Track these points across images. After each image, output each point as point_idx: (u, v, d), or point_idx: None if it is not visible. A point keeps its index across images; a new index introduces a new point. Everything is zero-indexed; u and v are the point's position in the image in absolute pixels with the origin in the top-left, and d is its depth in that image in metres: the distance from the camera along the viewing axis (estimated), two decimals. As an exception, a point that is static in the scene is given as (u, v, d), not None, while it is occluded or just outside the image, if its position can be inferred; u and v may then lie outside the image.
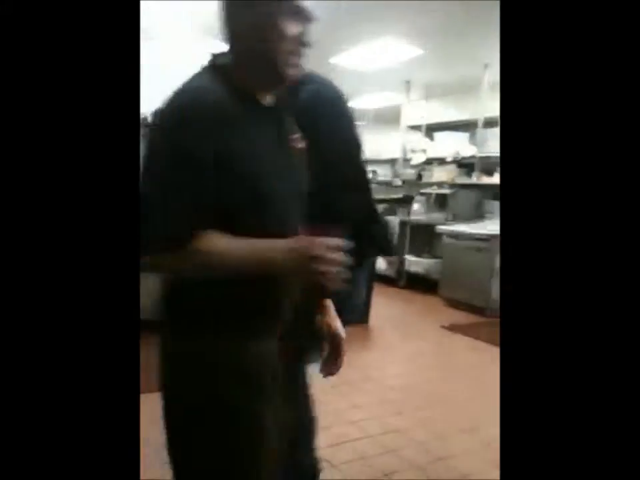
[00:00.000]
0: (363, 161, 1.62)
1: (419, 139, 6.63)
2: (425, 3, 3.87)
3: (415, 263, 5.93)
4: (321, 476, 1.94)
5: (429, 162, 6.35)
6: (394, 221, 6.17)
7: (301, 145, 1.13)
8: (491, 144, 5.39)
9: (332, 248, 0.91)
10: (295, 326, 1.15)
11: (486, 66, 5.23)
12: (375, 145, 7.61)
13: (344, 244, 0.93)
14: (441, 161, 6.17)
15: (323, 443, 2.20)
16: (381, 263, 5.97)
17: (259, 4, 0.95)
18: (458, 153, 5.94)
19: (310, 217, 1.11)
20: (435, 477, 2.01)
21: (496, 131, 5.22)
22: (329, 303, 1.40)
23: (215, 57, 1.02)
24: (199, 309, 0.99)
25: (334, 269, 0.91)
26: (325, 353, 1.38)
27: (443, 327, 4.37)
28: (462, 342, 4.02)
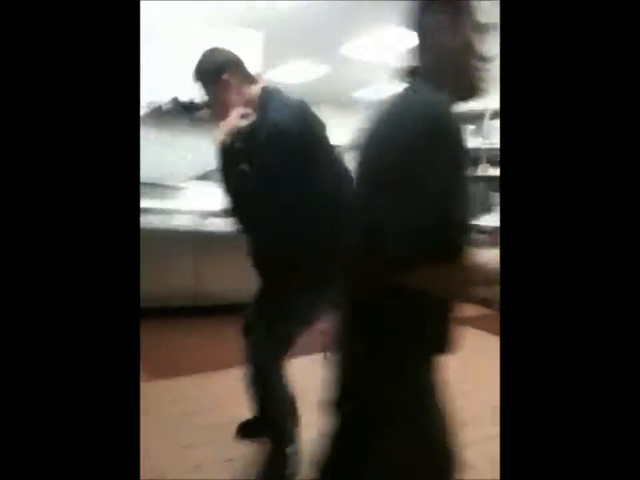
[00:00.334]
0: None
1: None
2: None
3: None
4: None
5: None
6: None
7: None
8: (497, 136, 5.41)
9: None
10: None
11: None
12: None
13: None
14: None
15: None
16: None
17: (461, 24, 1.00)
18: (465, 145, 5.94)
19: None
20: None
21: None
22: None
23: (409, 72, 1.06)
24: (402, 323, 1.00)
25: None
26: None
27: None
28: (471, 334, 4.09)
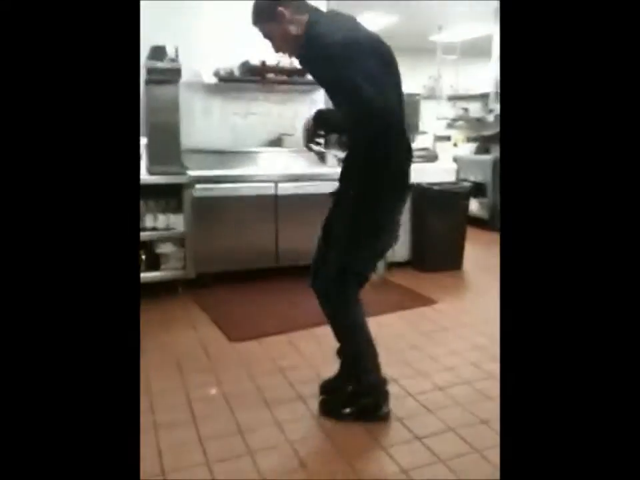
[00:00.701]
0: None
1: (513, 70, 6.19)
2: None
3: (510, 204, 5.69)
4: (419, 420, 2.05)
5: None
6: (488, 159, 5.92)
7: None
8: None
9: None
10: None
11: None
12: (465, 80, 7.23)
13: None
14: (538, 93, 5.75)
15: (421, 389, 2.30)
16: (473, 205, 5.80)
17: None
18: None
19: None
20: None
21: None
22: None
23: None
24: None
25: None
26: None
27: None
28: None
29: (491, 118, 6.32)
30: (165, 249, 3.52)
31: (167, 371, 2.46)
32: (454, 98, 7.27)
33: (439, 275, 4.13)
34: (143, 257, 3.41)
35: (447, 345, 2.80)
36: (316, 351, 2.63)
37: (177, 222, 3.52)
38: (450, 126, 7.12)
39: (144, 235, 3.36)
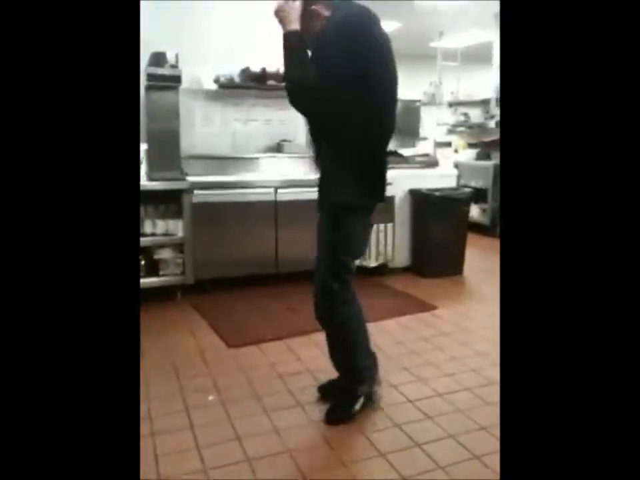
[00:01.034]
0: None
1: (513, 77, 6.22)
2: None
3: (511, 209, 5.69)
4: (419, 427, 2.04)
5: (525, 100, 5.95)
6: (488, 165, 5.92)
7: None
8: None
9: None
10: None
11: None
12: (465, 86, 7.24)
13: None
14: (539, 99, 5.75)
15: (421, 395, 2.28)
16: (474, 211, 5.80)
17: None
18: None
19: None
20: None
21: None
22: None
23: None
24: None
25: None
26: None
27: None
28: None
29: (491, 124, 6.32)
30: (163, 254, 3.51)
31: (165, 377, 2.44)
32: (455, 104, 7.28)
33: (440, 280, 4.12)
34: (142, 262, 3.41)
35: (447, 351, 2.78)
36: (315, 357, 2.61)
37: (176, 228, 3.52)
38: (451, 132, 7.13)
39: (143, 241, 3.35)
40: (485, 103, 6.64)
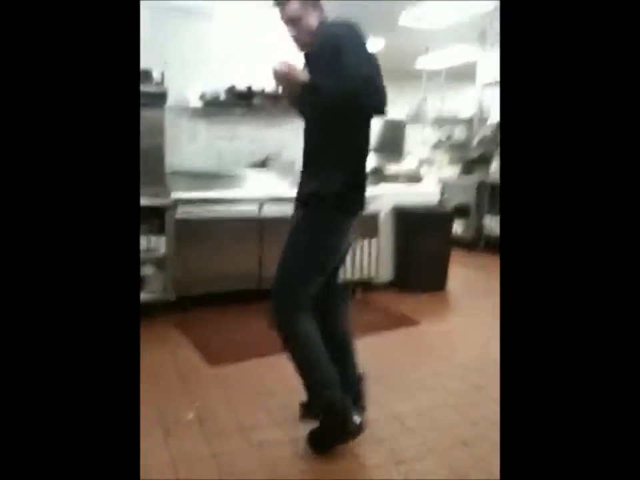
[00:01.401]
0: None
1: (496, 95, 6.33)
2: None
3: (493, 225, 5.76)
4: (402, 441, 2.03)
5: (507, 119, 6.06)
6: (471, 182, 5.99)
7: None
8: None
9: None
10: None
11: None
12: (450, 104, 7.35)
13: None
14: (520, 117, 5.85)
15: (403, 411, 2.28)
16: (457, 227, 5.86)
17: None
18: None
19: None
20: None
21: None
22: None
23: None
24: None
25: None
26: None
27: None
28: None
29: (474, 141, 6.42)
30: (145, 271, 3.49)
31: (144, 395, 2.40)
32: (439, 121, 7.39)
33: (423, 295, 4.14)
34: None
35: (430, 367, 2.79)
36: (297, 375, 2.60)
37: (158, 244, 3.51)
38: (435, 149, 7.22)
39: (126, 257, 3.33)
40: (468, 121, 6.76)
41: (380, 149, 6.28)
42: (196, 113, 4.20)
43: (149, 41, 3.79)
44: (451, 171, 6.58)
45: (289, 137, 4.38)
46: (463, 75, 7.12)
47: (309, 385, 2.01)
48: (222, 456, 1.92)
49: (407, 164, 5.88)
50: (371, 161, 4.14)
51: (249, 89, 4.18)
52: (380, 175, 4.42)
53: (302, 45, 1.96)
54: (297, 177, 2.07)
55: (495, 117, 6.18)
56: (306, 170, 1.99)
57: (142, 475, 1.76)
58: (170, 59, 3.84)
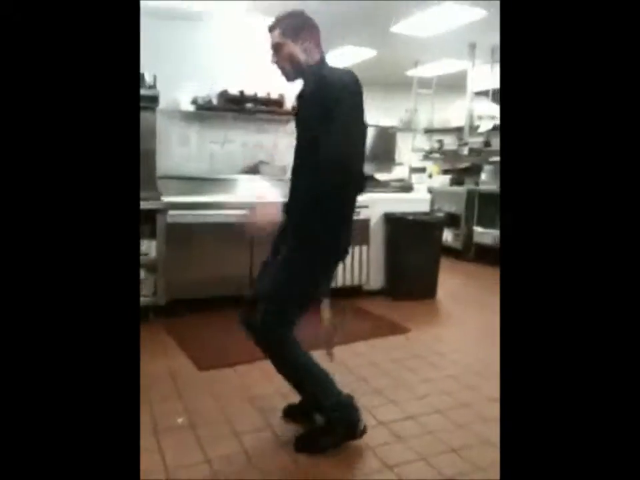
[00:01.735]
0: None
1: (486, 105, 6.40)
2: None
3: (483, 234, 5.81)
4: (390, 449, 2.03)
5: (497, 129, 6.13)
6: (461, 191, 6.04)
7: None
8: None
9: None
10: None
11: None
12: (440, 113, 7.42)
13: None
14: (510, 128, 5.92)
15: (393, 418, 2.28)
16: (447, 236, 5.89)
17: None
18: (528, 119, 5.68)
19: None
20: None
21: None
22: None
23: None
24: None
25: None
26: None
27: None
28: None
29: (464, 151, 6.47)
30: (136, 274, 3.47)
31: (134, 400, 2.39)
32: (429, 131, 7.45)
33: (413, 303, 4.15)
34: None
35: (420, 374, 2.79)
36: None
37: (149, 248, 3.48)
38: (425, 158, 7.27)
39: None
40: (458, 130, 6.82)
41: (371, 157, 6.31)
42: (188, 117, 4.19)
43: (141, 44, 3.78)
44: (442, 180, 6.63)
45: (280, 142, 4.40)
46: (454, 84, 7.19)
47: (308, 388, 2.04)
48: (214, 460, 1.90)
49: (397, 172, 5.91)
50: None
51: (241, 93, 4.19)
52: (371, 183, 4.44)
53: (283, 72, 1.96)
54: (288, 183, 2.10)
55: (485, 126, 6.25)
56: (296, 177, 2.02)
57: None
58: (162, 62, 3.83)
